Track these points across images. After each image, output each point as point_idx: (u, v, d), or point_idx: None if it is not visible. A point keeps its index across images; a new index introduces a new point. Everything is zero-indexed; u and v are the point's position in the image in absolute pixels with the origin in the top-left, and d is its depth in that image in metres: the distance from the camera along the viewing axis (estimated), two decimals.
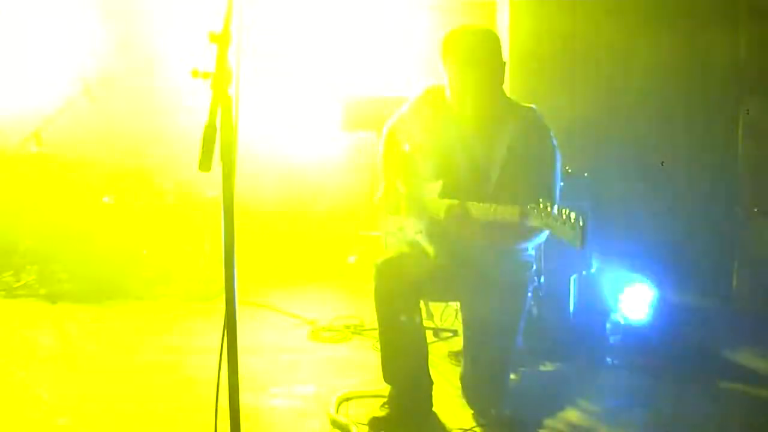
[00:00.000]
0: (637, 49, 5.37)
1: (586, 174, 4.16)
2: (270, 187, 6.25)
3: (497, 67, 2.63)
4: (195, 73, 1.69)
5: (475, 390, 2.85)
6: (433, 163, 2.86)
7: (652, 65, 5.27)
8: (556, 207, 2.24)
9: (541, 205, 2.28)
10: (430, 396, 2.92)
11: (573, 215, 2.19)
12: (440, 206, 2.69)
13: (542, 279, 3.59)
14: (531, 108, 2.78)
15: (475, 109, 2.65)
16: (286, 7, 6.39)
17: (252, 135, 4.76)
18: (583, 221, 2.17)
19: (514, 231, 2.58)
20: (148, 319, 4.57)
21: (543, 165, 2.68)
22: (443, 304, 4.13)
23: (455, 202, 2.58)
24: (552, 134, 2.73)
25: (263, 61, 6.01)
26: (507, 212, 2.42)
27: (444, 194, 2.77)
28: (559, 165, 2.72)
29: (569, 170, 2.80)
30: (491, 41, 2.64)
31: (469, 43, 2.62)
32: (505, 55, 2.73)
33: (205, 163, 1.63)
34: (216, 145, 1.66)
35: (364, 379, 3.32)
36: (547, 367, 3.47)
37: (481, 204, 2.54)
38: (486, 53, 2.60)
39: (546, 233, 2.63)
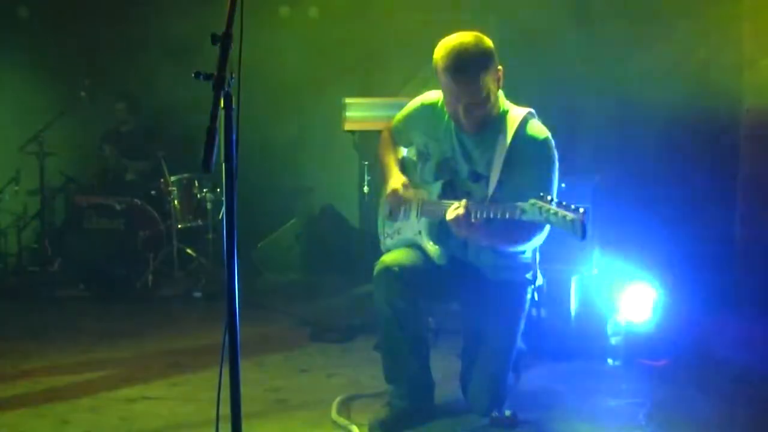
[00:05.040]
0: (637, 50, 5.37)
1: (595, 177, 4.17)
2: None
3: (489, 77, 2.60)
4: (197, 75, 1.70)
5: (475, 390, 2.85)
6: (433, 166, 2.87)
7: (653, 65, 5.28)
8: (554, 202, 2.28)
9: (540, 202, 2.31)
10: (432, 396, 2.92)
11: (572, 206, 2.23)
12: (443, 207, 2.70)
13: (542, 279, 3.59)
14: (529, 112, 2.78)
15: (469, 119, 2.66)
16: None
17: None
18: (583, 212, 2.20)
19: (516, 231, 2.61)
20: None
21: (540, 171, 2.68)
22: (444, 305, 4.12)
23: (461, 202, 2.57)
24: (550, 138, 2.73)
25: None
26: (507, 209, 2.45)
27: (443, 194, 2.77)
28: (556, 169, 2.72)
29: (563, 185, 2.81)
30: (483, 52, 2.59)
31: (460, 57, 2.57)
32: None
33: (206, 164, 1.63)
34: (217, 145, 1.66)
35: (365, 380, 3.32)
36: (548, 367, 3.47)
37: (480, 204, 2.56)
38: (477, 66, 2.56)
39: (545, 233, 2.65)
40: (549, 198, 2.33)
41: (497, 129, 2.72)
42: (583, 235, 2.23)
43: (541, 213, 2.32)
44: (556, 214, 2.27)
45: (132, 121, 6.21)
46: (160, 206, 5.72)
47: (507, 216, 2.46)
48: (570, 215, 2.24)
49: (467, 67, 2.56)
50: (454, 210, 2.56)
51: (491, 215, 2.53)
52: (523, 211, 2.39)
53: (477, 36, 2.62)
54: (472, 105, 2.61)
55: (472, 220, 2.54)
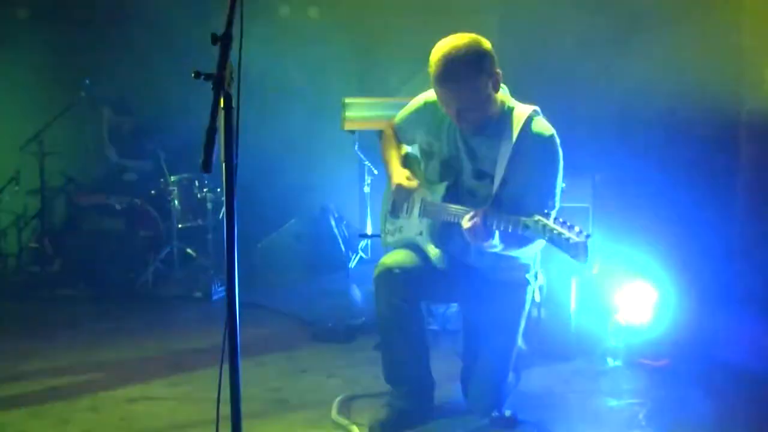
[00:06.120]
0: (637, 49, 5.37)
1: (595, 176, 4.17)
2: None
3: (480, 83, 2.57)
4: (196, 75, 1.70)
5: (475, 391, 2.85)
6: (437, 165, 2.86)
7: (653, 65, 5.27)
8: (558, 222, 2.25)
9: (544, 219, 2.29)
10: (432, 396, 2.92)
11: (576, 228, 2.21)
12: (447, 210, 2.70)
13: (543, 279, 3.59)
14: (534, 111, 2.77)
15: (464, 122, 2.65)
16: None
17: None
18: (586, 235, 2.18)
19: (525, 245, 2.62)
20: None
21: (545, 170, 2.67)
22: (444, 305, 4.13)
23: (477, 211, 2.56)
24: (555, 136, 2.72)
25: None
26: (511, 222, 2.44)
27: (447, 196, 2.77)
28: (561, 168, 2.71)
29: (564, 185, 2.81)
30: (471, 59, 2.54)
31: (446, 66, 2.55)
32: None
33: (206, 164, 1.63)
34: (217, 145, 1.66)
35: (365, 380, 3.32)
36: (548, 367, 3.47)
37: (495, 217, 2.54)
38: (463, 75, 2.54)
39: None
40: (553, 216, 2.31)
41: (502, 127, 2.71)
42: (585, 259, 2.21)
43: (544, 232, 2.31)
44: (559, 235, 2.25)
45: (129, 121, 6.19)
46: (160, 206, 5.72)
47: (510, 229, 2.46)
48: (573, 238, 2.21)
49: (453, 76, 2.54)
50: (470, 219, 2.54)
51: (497, 227, 2.51)
52: (526, 227, 2.38)
53: (470, 41, 2.57)
54: (464, 110, 2.61)
55: (491, 228, 2.52)
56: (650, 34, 5.18)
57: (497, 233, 2.51)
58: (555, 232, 2.26)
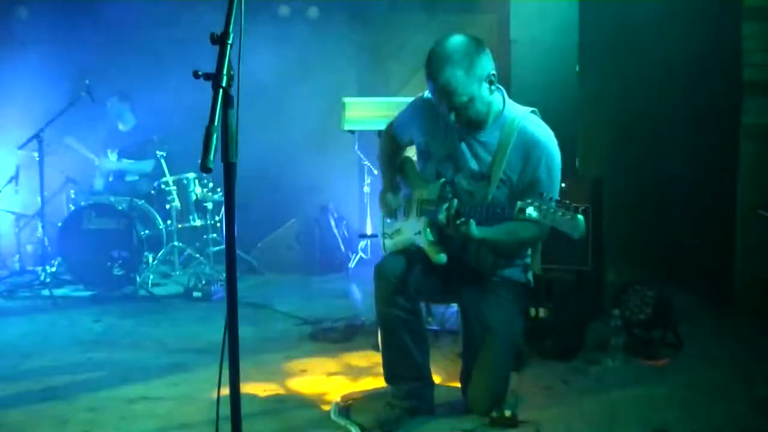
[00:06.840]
0: (638, 50, 5.37)
1: (595, 176, 4.17)
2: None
3: (474, 80, 2.58)
4: (196, 75, 1.70)
5: (475, 390, 2.85)
6: (434, 165, 2.86)
7: (653, 65, 5.28)
8: (555, 200, 2.29)
9: (540, 199, 2.32)
10: (432, 396, 2.92)
11: (572, 205, 2.24)
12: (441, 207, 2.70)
13: (541, 278, 3.59)
14: (532, 111, 2.77)
15: (456, 120, 2.66)
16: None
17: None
18: (582, 212, 2.21)
19: (513, 230, 2.62)
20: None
21: (542, 171, 2.67)
22: (444, 305, 4.13)
23: (452, 203, 2.59)
24: (553, 137, 2.72)
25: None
26: (507, 208, 2.46)
27: (443, 195, 2.77)
28: (558, 169, 2.71)
29: (563, 185, 2.81)
30: (466, 56, 2.56)
31: (433, 62, 2.59)
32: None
33: (205, 164, 1.63)
34: (217, 145, 1.66)
35: (365, 380, 3.32)
36: (548, 367, 3.47)
37: (479, 207, 2.57)
38: (459, 70, 2.55)
39: (544, 232, 2.64)
40: (549, 197, 2.34)
41: (499, 128, 2.72)
42: (582, 234, 2.25)
43: (540, 212, 2.32)
44: (555, 213, 2.28)
45: (130, 120, 6.20)
46: (160, 206, 5.73)
47: (506, 215, 2.46)
48: (569, 214, 2.26)
49: (447, 73, 2.56)
50: (445, 210, 2.56)
51: (488, 216, 2.52)
52: (522, 211, 2.39)
53: (465, 39, 2.60)
54: (458, 108, 2.61)
55: (463, 219, 2.54)
56: (649, 33, 5.18)
57: (477, 225, 2.53)
58: (551, 210, 2.30)
